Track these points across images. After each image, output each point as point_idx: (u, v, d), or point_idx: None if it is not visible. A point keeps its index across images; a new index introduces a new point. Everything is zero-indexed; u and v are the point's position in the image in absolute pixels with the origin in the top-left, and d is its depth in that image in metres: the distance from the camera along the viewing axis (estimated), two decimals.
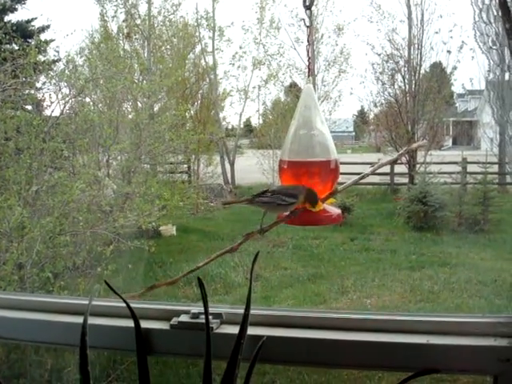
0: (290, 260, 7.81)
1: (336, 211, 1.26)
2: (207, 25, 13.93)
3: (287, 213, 1.22)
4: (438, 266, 7.36)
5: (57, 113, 5.90)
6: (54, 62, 7.37)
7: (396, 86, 13.76)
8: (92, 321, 1.23)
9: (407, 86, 13.54)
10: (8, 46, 6.68)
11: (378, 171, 1.37)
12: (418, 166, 12.43)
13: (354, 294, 6.46)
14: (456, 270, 7.13)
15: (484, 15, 1.05)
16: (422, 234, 9.06)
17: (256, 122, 17.58)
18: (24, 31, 8.71)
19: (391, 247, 8.35)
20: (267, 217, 1.23)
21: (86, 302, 1.26)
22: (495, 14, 1.02)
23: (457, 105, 18.09)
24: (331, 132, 1.27)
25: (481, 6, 1.05)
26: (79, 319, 1.23)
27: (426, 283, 6.69)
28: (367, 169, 1.35)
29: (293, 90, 14.66)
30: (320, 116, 1.27)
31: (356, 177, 1.33)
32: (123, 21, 12.50)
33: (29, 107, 6.32)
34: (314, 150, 1.24)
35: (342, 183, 1.34)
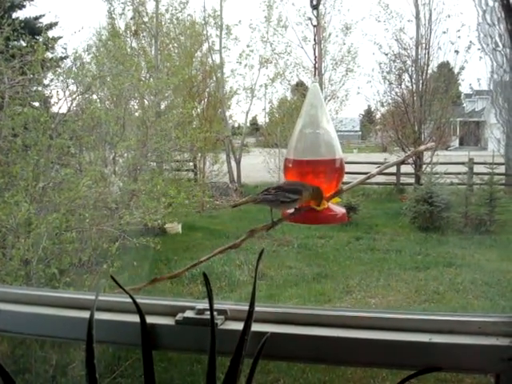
0: (295, 259, 7.81)
1: (341, 210, 1.26)
2: (214, 23, 13.97)
3: (291, 210, 1.22)
4: (444, 266, 7.34)
5: (64, 110, 5.94)
6: (62, 59, 7.40)
7: (403, 86, 13.75)
8: (98, 315, 1.24)
9: (414, 86, 13.52)
10: (16, 42, 6.69)
11: (384, 171, 1.37)
12: (424, 166, 12.40)
13: (359, 293, 6.45)
14: (461, 270, 7.11)
15: (488, 17, 1.06)
16: (427, 235, 9.03)
17: (262, 120, 17.63)
18: (32, 28, 8.71)
19: (396, 247, 8.32)
20: (274, 214, 1.22)
21: (92, 297, 1.27)
22: (499, 15, 1.03)
23: (464, 105, 18.03)
24: (338, 131, 1.27)
25: (484, 8, 1.05)
26: (85, 314, 1.24)
27: (431, 284, 6.67)
28: (373, 169, 1.35)
29: (299, 88, 14.66)
30: (326, 115, 1.27)
31: (362, 176, 1.33)
32: (131, 18, 12.57)
33: (36, 104, 6.33)
34: (320, 149, 1.24)
35: (347, 183, 1.34)
